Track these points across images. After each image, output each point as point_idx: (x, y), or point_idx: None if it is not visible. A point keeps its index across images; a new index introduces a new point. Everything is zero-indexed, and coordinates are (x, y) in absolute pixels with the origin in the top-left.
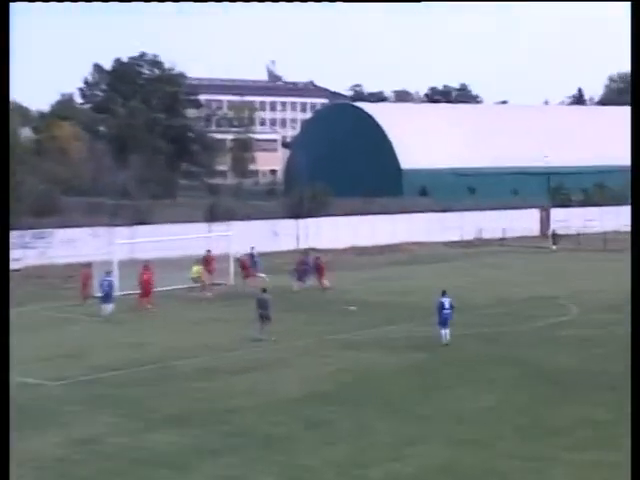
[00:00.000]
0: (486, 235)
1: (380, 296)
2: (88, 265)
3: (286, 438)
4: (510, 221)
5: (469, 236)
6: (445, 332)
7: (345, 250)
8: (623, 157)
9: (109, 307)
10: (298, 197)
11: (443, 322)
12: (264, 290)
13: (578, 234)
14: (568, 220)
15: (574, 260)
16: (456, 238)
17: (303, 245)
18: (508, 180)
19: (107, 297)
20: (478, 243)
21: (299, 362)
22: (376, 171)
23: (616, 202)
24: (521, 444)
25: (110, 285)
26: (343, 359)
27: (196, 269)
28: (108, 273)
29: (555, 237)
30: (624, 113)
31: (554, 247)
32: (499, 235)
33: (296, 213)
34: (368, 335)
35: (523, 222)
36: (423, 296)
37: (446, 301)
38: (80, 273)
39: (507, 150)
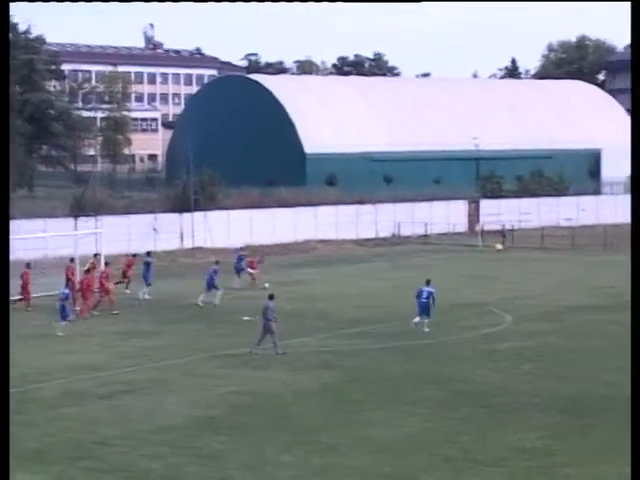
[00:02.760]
0: (405, 232)
1: (283, 303)
2: None
3: (168, 475)
4: (433, 215)
5: (385, 233)
6: (422, 320)
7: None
8: (564, 140)
9: None
10: (182, 187)
11: (421, 311)
12: (271, 297)
13: (512, 229)
14: (500, 213)
15: (507, 260)
16: (370, 235)
17: (188, 244)
18: (431, 167)
19: None
20: (396, 241)
21: (184, 383)
22: (276, 156)
23: (555, 192)
24: (447, 477)
25: None
26: (238, 379)
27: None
28: None
29: (484, 234)
30: (565, 88)
31: (499, 246)
32: (420, 231)
33: (180, 206)
34: (270, 350)
35: (448, 216)
36: (333, 303)
37: (425, 290)
38: None
39: (429, 132)
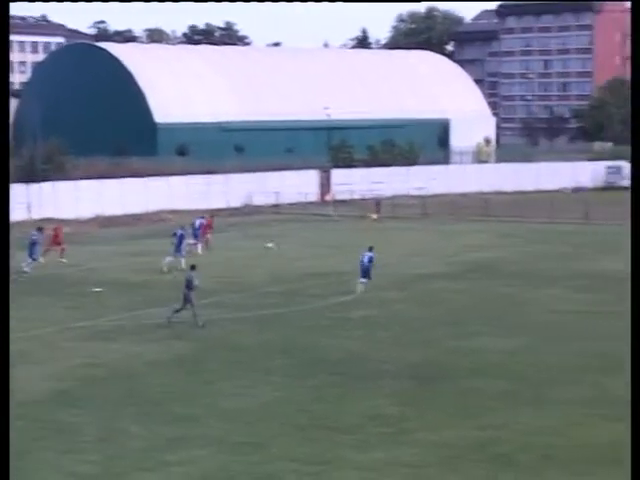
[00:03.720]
0: (257, 201)
1: (135, 275)
2: None
3: (19, 450)
4: (285, 185)
5: (237, 203)
6: (362, 281)
7: (89, 221)
8: (413, 109)
9: None
10: (29, 157)
11: (363, 274)
12: (193, 267)
13: (363, 199)
14: (352, 183)
15: (359, 230)
16: (221, 205)
17: (36, 216)
18: (282, 136)
19: None
20: (248, 211)
21: (35, 356)
22: (125, 126)
23: (406, 162)
24: (301, 445)
25: None
26: (89, 351)
27: None
28: None
29: (336, 203)
30: (414, 58)
31: (374, 216)
32: (272, 201)
33: (27, 177)
34: (120, 322)
35: (300, 186)
36: (184, 274)
37: (366, 255)
38: None
39: (280, 102)
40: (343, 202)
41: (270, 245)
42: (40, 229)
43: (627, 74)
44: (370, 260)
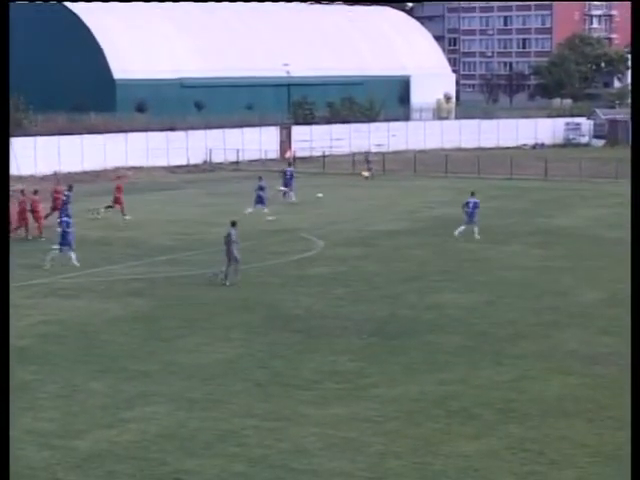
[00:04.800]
0: (217, 158)
1: (92, 231)
2: None
3: None
4: (245, 141)
5: (197, 160)
6: (472, 227)
7: (46, 177)
8: (374, 66)
9: None
10: None
11: (469, 220)
12: (233, 223)
13: (323, 155)
14: (312, 140)
15: (318, 187)
16: (181, 162)
17: None
18: (242, 93)
19: None
20: (207, 167)
21: None
22: (83, 82)
23: (366, 118)
24: (260, 401)
25: None
26: (47, 308)
27: None
28: None
29: (295, 160)
30: (375, 14)
31: (366, 174)
32: (232, 158)
33: None
34: (78, 279)
35: (260, 142)
36: (143, 231)
37: (471, 201)
38: None
39: (241, 58)
40: (303, 159)
41: (320, 195)
42: (71, 187)
43: (586, 30)
44: (475, 206)
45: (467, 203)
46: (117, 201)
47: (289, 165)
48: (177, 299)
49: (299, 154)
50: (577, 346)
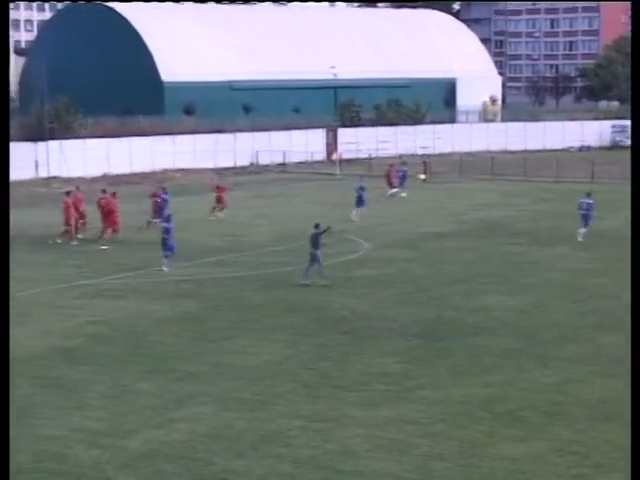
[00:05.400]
0: (263, 160)
1: (142, 233)
2: None
3: (24, 405)
4: (292, 144)
5: (244, 162)
6: (581, 229)
7: (96, 179)
8: (420, 69)
9: None
10: (36, 116)
11: (584, 222)
12: (316, 225)
13: (370, 158)
14: (358, 142)
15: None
16: (229, 164)
17: (43, 174)
18: (289, 96)
19: None
20: (254, 170)
21: (41, 314)
22: (133, 85)
23: (412, 121)
24: (306, 402)
25: None
26: (95, 309)
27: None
28: None
29: (342, 162)
30: (421, 17)
31: (422, 176)
32: (279, 160)
33: (34, 135)
34: (127, 280)
35: (307, 145)
36: (192, 232)
37: (585, 202)
38: None
39: (288, 61)
40: (349, 161)
41: (404, 195)
42: (164, 189)
43: None
44: (590, 207)
45: (581, 204)
46: (219, 200)
47: (403, 164)
48: (225, 300)
49: (345, 156)
50: (621, 349)
